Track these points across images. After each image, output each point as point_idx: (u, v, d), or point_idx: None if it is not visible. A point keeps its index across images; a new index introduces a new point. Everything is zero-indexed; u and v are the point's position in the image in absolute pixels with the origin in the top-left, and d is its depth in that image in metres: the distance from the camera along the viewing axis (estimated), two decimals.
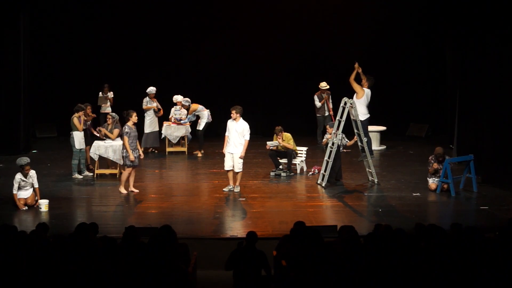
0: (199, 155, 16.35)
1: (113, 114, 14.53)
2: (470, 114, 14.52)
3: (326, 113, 17.25)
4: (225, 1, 18.52)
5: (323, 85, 17.18)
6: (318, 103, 17.19)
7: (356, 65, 13.22)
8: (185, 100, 16.30)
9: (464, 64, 14.92)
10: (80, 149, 13.92)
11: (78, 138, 13.82)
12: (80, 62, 18.48)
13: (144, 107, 16.39)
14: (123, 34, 18.47)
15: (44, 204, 11.70)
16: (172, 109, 16.57)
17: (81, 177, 13.97)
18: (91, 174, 14.15)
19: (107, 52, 18.48)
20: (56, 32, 18.33)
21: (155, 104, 16.45)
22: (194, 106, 16.27)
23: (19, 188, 11.86)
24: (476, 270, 6.86)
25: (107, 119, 14.46)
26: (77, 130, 13.81)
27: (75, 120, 13.82)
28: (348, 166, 14.74)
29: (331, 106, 17.24)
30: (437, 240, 7.65)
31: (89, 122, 14.54)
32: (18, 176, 11.90)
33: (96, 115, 15.85)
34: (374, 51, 18.31)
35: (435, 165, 12.76)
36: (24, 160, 11.98)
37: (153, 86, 16.46)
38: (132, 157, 12.47)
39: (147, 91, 16.42)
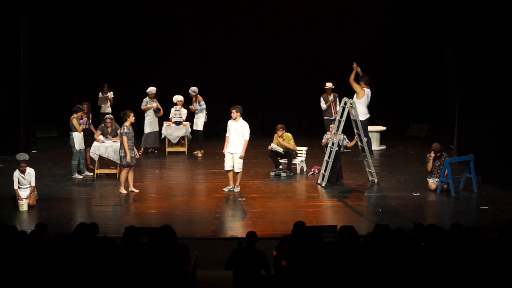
0: (199, 155, 16.35)
1: (110, 115, 14.55)
2: (470, 114, 14.52)
3: (334, 116, 15.99)
4: (225, 2, 18.52)
5: (328, 85, 16.43)
6: (323, 105, 16.46)
7: (355, 65, 13.23)
8: (193, 90, 16.26)
9: (464, 64, 14.93)
10: (80, 149, 13.91)
11: (78, 139, 13.81)
12: (80, 62, 18.47)
13: (143, 107, 16.35)
14: (123, 34, 18.47)
15: (23, 204, 11.67)
16: (172, 109, 16.55)
17: (81, 177, 13.96)
18: (91, 174, 14.15)
19: (107, 52, 18.49)
20: (56, 32, 18.33)
21: (155, 104, 16.42)
22: (200, 98, 16.32)
23: (19, 187, 11.88)
24: (476, 270, 6.86)
25: (106, 123, 14.38)
26: (77, 131, 13.79)
27: (74, 121, 13.80)
28: (348, 166, 14.74)
29: (337, 109, 15.91)
30: (437, 240, 7.65)
31: (89, 121, 14.50)
32: (16, 172, 11.96)
33: (94, 117, 15.72)
34: (374, 51, 18.31)
35: (432, 154, 12.77)
36: (21, 156, 12.02)
37: (153, 86, 16.44)
38: (129, 158, 12.45)
39: (147, 91, 16.40)
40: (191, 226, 10.94)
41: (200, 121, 16.34)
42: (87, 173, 14.15)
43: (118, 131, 13.98)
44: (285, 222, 10.57)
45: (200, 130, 16.32)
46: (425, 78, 18.81)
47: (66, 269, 6.98)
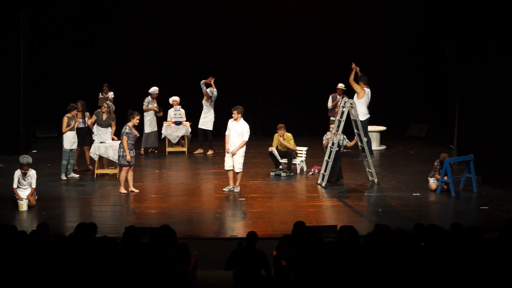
0: (209, 152, 16.34)
1: (109, 103, 14.58)
2: (470, 114, 14.52)
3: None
4: (225, 3, 18.51)
5: (340, 86, 16.12)
6: (329, 104, 16.44)
7: (354, 65, 13.22)
8: (213, 90, 16.25)
9: (464, 64, 14.93)
10: (71, 149, 13.73)
11: (68, 138, 13.66)
12: (80, 62, 18.45)
13: (144, 107, 16.31)
14: (123, 33, 18.46)
15: (22, 204, 11.67)
16: (171, 110, 16.50)
17: (77, 176, 13.86)
18: (77, 176, 13.97)
19: (107, 52, 18.47)
20: (56, 32, 18.32)
21: (155, 105, 16.39)
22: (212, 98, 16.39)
23: (18, 186, 11.87)
24: (476, 270, 6.86)
25: (102, 108, 14.37)
26: (67, 130, 13.70)
27: (65, 119, 13.71)
28: (348, 166, 14.73)
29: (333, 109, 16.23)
30: (437, 240, 7.65)
31: (85, 120, 14.41)
32: (18, 172, 11.94)
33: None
34: (374, 51, 18.31)
35: (437, 176, 12.83)
36: (25, 159, 11.96)
37: (156, 87, 16.40)
38: (129, 157, 12.47)
39: (149, 91, 16.34)
40: (191, 226, 10.95)
41: (209, 120, 16.33)
42: (73, 174, 13.96)
43: (112, 122, 14.20)
44: (285, 222, 10.56)
45: (210, 129, 16.32)
46: (425, 78, 18.80)
47: (66, 269, 6.98)
